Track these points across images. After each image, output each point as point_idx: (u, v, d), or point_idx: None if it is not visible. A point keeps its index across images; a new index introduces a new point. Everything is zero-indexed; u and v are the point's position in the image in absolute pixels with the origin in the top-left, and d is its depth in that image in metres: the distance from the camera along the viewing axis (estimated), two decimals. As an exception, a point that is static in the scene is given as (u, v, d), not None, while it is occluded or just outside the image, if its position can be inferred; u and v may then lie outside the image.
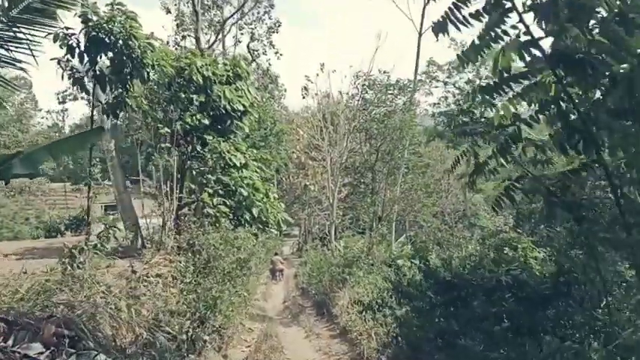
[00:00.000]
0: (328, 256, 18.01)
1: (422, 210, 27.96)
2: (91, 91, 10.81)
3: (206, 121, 12.43)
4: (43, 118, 65.34)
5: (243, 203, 12.52)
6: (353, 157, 35.54)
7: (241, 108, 13.18)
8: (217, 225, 12.55)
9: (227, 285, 10.29)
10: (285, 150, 41.56)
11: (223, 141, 12.54)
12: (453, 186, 45.35)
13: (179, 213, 14.23)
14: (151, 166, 19.57)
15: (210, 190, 12.10)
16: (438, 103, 37.43)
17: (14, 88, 6.33)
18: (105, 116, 12.45)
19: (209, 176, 12.24)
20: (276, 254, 30.26)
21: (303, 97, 38.79)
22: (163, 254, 10.88)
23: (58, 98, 57.29)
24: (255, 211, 12.63)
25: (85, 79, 10.82)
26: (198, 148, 12.51)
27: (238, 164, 12.45)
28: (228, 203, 12.08)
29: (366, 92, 25.32)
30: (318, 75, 37.72)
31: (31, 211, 44.49)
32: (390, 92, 24.08)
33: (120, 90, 11.20)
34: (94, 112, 11.77)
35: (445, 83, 37.47)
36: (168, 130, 12.31)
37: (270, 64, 33.88)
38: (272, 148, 35.64)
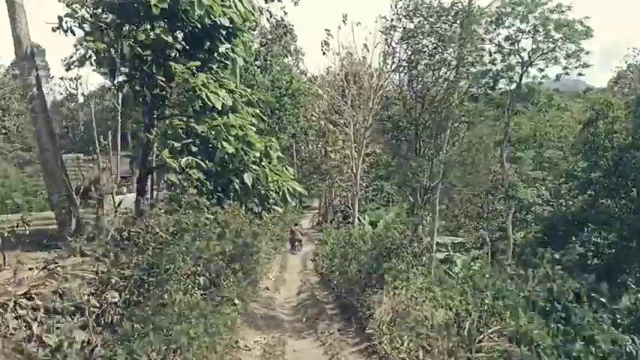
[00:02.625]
0: (355, 237, 13.31)
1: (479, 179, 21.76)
2: None
3: (169, 39, 7.70)
4: (55, 85, 61.34)
5: (229, 166, 7.86)
6: (382, 116, 30.40)
7: (227, 23, 8.39)
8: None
9: (187, 326, 5.37)
10: (304, 116, 36.65)
11: (199, 71, 7.81)
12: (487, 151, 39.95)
13: (144, 183, 9.60)
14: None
15: (177, 145, 7.47)
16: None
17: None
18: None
19: (177, 121, 7.61)
20: (295, 224, 29.21)
21: (324, 54, 33.52)
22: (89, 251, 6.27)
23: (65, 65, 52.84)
24: (247, 178, 7.94)
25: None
26: (161, 80, 7.78)
27: (221, 107, 7.69)
28: (204, 165, 7.45)
29: (410, 20, 18.96)
30: (340, 28, 32.28)
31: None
32: (442, 18, 18.04)
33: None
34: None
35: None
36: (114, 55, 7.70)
37: (285, 13, 28.70)
38: (287, 112, 30.77)
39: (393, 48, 20.57)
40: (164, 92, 8.09)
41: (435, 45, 17.92)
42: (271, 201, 8.45)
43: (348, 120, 31.00)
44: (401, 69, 20.28)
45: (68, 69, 57.20)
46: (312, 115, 33.01)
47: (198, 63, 7.81)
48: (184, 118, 7.94)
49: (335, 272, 15.34)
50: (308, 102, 36.32)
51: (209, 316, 6.14)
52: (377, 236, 11.07)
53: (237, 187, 7.98)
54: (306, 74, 42.85)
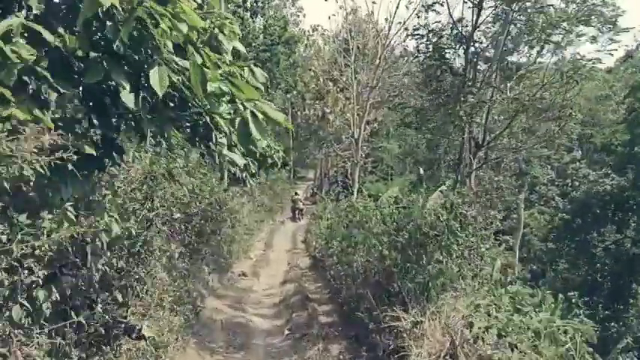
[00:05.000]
0: (363, 214, 9.06)
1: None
2: None
3: None
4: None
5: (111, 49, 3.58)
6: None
7: None
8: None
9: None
10: (300, 77, 31.91)
11: None
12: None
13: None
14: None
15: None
16: None
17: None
18: None
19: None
20: (296, 194, 28.64)
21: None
22: None
23: None
24: (153, 75, 3.47)
25: None
26: None
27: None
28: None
29: None
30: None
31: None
32: None
33: None
34: None
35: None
36: None
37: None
38: (280, 63, 26.09)
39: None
40: None
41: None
42: (218, 137, 4.14)
43: (351, 79, 26.48)
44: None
45: None
46: (309, 70, 28.35)
47: None
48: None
49: (332, 257, 11.19)
50: (304, 60, 31.67)
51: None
52: (403, 215, 6.89)
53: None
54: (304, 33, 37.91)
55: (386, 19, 25.63)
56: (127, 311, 4.54)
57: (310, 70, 27.37)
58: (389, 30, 25.77)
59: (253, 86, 4.16)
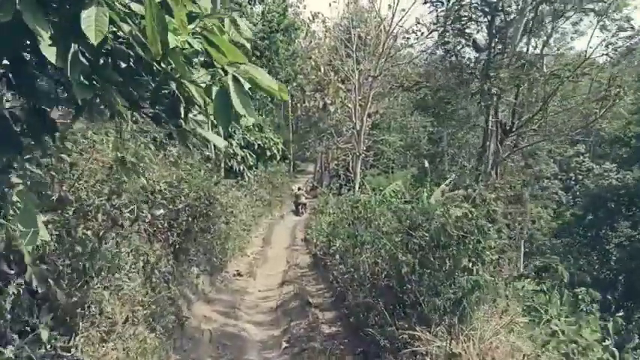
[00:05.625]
0: (370, 210, 7.96)
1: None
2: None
3: None
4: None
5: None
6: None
7: None
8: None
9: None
10: (301, 69, 30.70)
11: None
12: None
13: None
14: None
15: None
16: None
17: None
18: None
19: None
20: (299, 188, 28.67)
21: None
22: None
23: None
24: (85, 16, 2.49)
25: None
26: None
27: None
28: None
29: None
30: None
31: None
32: None
33: None
34: None
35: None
36: None
37: None
38: (279, 51, 24.91)
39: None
40: None
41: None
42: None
43: (353, 68, 25.32)
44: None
45: None
46: (310, 59, 27.15)
47: None
48: None
49: (335, 256, 10.16)
50: (304, 51, 30.46)
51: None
52: (419, 212, 5.84)
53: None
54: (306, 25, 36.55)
55: (389, 6, 24.37)
56: (73, 340, 3.49)
57: (310, 58, 26.20)
58: (392, 17, 24.62)
59: (237, 44, 3.10)
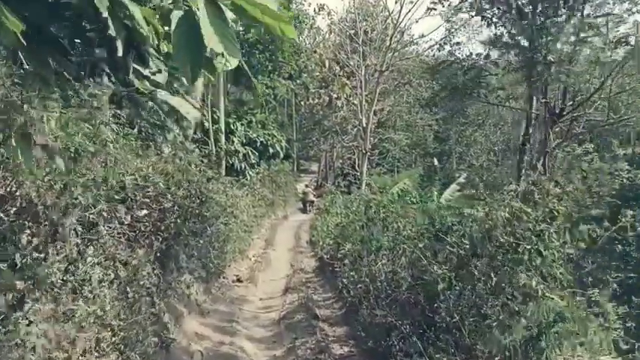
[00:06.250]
0: (392, 213, 6.76)
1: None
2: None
3: None
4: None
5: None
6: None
7: None
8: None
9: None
10: (305, 64, 29.60)
11: None
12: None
13: None
14: None
15: None
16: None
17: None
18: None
19: None
20: (307, 186, 28.97)
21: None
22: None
23: None
24: None
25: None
26: None
27: None
28: None
29: None
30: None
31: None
32: None
33: None
34: None
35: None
36: None
37: None
38: (285, 49, 23.86)
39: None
40: None
41: None
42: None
43: (359, 62, 24.22)
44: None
45: None
46: (315, 52, 26.07)
47: None
48: None
49: (344, 261, 9.01)
50: (309, 45, 29.42)
51: None
52: (451, 213, 4.70)
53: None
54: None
55: (396, 1, 23.23)
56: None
57: (315, 52, 25.11)
58: (400, 9, 23.47)
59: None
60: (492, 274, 3.96)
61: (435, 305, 4.61)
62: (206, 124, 17.61)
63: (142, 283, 5.55)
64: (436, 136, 39.54)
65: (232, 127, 18.97)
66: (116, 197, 5.17)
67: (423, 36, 37.79)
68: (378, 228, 6.92)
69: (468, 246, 4.11)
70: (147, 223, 6.09)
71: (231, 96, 24.08)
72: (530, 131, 8.72)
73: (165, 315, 5.99)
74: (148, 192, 5.67)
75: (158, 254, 6.37)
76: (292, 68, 25.63)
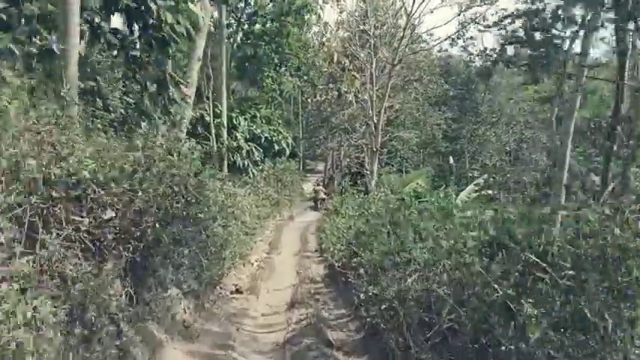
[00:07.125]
0: (433, 220, 5.38)
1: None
2: None
3: None
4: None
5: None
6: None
7: None
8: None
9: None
10: (312, 60, 28.14)
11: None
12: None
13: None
14: None
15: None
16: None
17: None
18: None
19: None
20: (317, 184, 29.50)
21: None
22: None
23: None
24: None
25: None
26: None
27: None
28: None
29: None
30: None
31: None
32: None
33: None
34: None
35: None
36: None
37: None
38: (289, 37, 22.45)
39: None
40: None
41: None
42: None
43: (371, 54, 22.76)
44: None
45: None
46: (323, 45, 24.67)
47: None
48: None
49: (360, 271, 7.55)
50: (316, 37, 28.00)
51: None
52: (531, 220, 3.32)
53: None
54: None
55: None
56: None
57: (324, 44, 23.69)
58: (413, 1, 22.01)
59: None
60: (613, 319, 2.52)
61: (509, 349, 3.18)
62: (207, 117, 16.26)
63: (105, 306, 4.17)
64: (445, 135, 38.00)
65: (235, 122, 17.57)
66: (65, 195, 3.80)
67: (435, 28, 36.19)
68: (408, 236, 5.49)
69: (571, 271, 2.68)
70: (114, 228, 4.71)
71: (237, 94, 22.75)
72: (621, 105, 6.92)
73: (137, 348, 4.59)
74: (110, 187, 4.27)
75: (131, 267, 4.99)
76: (300, 61, 24.18)
